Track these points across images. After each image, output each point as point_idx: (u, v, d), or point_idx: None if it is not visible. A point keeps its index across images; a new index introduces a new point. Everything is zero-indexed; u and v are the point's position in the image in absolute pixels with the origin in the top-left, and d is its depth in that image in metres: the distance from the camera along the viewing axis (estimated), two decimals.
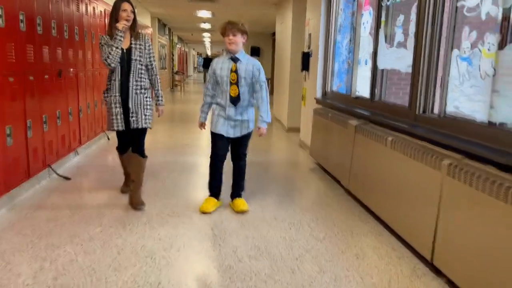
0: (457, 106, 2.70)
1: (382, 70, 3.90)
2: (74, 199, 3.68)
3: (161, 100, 3.63)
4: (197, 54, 44.11)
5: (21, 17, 3.60)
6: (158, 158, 5.25)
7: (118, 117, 3.39)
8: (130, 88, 3.37)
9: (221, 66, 3.35)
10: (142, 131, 3.49)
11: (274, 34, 10.39)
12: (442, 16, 2.93)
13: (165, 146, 6.23)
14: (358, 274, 2.50)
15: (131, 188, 3.57)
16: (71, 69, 4.89)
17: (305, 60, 6.07)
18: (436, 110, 3.00)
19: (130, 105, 3.38)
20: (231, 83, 3.32)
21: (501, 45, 2.29)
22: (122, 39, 3.29)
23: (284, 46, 8.41)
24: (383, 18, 3.83)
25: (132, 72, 3.37)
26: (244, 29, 3.31)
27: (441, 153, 2.54)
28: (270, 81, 15.48)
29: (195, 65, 42.20)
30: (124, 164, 3.77)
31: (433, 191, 2.52)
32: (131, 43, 3.38)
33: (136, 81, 3.38)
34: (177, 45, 20.62)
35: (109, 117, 3.45)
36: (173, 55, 17.85)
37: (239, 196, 3.58)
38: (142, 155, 3.52)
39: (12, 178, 3.48)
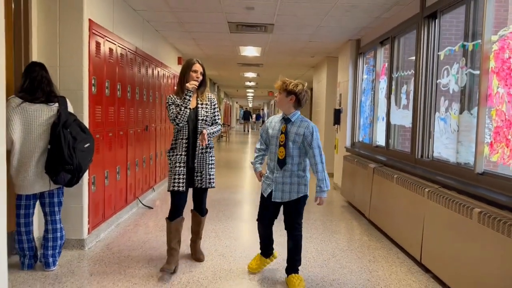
0: (439, 152, 3.77)
1: (394, 125, 5.03)
2: (159, 221, 4.93)
3: (216, 132, 3.41)
4: (240, 107, 46.42)
5: (128, 89, 5.09)
6: (215, 195, 6.49)
7: (181, 176, 3.29)
8: (197, 148, 3.33)
9: (273, 125, 3.20)
10: (205, 190, 3.50)
11: (312, 89, 11.66)
12: (431, 87, 4.08)
13: (218, 186, 7.47)
14: (368, 270, 3.53)
15: (191, 239, 3.70)
16: (153, 124, 6.35)
17: (337, 116, 7.28)
18: (429, 155, 4.07)
19: (195, 164, 3.35)
20: (279, 145, 3.11)
21: (461, 111, 3.40)
22: (191, 99, 3.23)
23: (320, 102, 9.68)
24: (393, 86, 5.02)
25: (198, 131, 3.32)
26: (291, 89, 3.06)
27: (426, 184, 3.60)
28: None
29: (237, 117, 43.90)
30: (170, 235, 3.40)
31: (420, 210, 3.56)
32: (197, 103, 3.37)
33: None
34: (223, 100, 22.56)
35: (170, 177, 3.35)
36: (220, 109, 19.67)
37: (296, 271, 3.24)
38: (203, 213, 3.58)
39: (118, 204, 4.80)
